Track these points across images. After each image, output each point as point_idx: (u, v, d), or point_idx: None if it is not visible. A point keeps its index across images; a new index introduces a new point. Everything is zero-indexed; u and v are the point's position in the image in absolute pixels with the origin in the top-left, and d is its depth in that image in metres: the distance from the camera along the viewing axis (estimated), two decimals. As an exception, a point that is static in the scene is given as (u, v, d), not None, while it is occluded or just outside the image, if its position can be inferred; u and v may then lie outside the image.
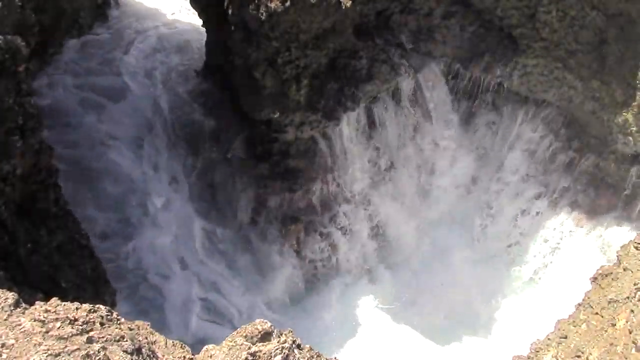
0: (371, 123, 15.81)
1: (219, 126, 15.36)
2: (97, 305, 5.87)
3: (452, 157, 16.61)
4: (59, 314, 5.54)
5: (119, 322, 5.81)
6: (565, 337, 7.39)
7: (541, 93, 14.82)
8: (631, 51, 12.40)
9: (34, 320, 5.42)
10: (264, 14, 12.17)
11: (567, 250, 14.85)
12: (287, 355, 5.72)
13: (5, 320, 5.41)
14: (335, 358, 6.77)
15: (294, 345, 5.86)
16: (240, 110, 14.70)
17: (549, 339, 7.70)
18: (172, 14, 19.35)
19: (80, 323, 5.49)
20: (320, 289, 15.65)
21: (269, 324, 6.02)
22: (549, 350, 7.57)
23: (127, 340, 5.45)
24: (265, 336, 5.85)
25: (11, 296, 5.70)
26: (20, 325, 5.36)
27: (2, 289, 6.00)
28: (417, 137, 16.22)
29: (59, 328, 5.33)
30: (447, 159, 16.60)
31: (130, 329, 5.81)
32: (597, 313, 7.04)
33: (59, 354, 5.02)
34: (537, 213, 15.66)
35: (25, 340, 5.14)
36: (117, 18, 18.36)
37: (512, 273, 16.36)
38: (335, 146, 15.18)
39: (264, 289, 14.64)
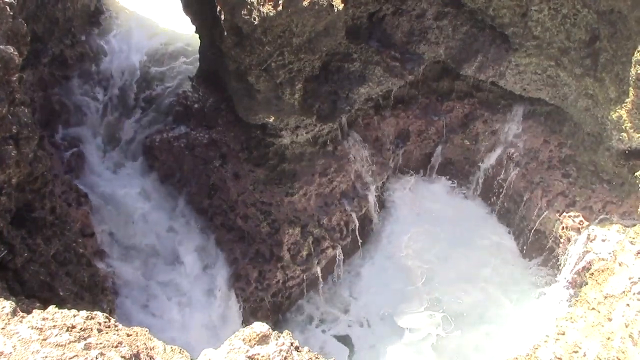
0: (367, 124, 15.87)
1: (215, 132, 15.38)
2: (95, 312, 5.88)
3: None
4: (56, 321, 5.55)
5: (116, 328, 5.82)
6: (563, 334, 7.41)
7: (535, 91, 14.87)
8: (623, 47, 12.42)
9: (32, 328, 5.43)
10: (257, 18, 12.19)
11: (564, 249, 14.87)
12: (286, 358, 5.73)
13: (3, 328, 5.41)
14: (334, 359, 6.78)
15: (292, 348, 5.87)
16: (235, 115, 14.74)
17: (547, 335, 7.74)
18: (165, 21, 19.37)
19: (77, 330, 5.50)
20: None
21: (267, 326, 6.03)
22: (547, 347, 7.59)
23: (125, 346, 5.46)
24: (264, 339, 5.86)
25: (8, 305, 5.70)
26: (17, 333, 5.37)
27: (-1, 298, 6.00)
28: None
29: (56, 335, 5.35)
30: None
31: (128, 335, 5.81)
32: (593, 308, 7.06)
33: (56, 361, 5.02)
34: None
35: (23, 348, 5.15)
36: (110, 26, 18.39)
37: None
38: (331, 149, 15.25)
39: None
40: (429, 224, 17.06)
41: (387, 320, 15.52)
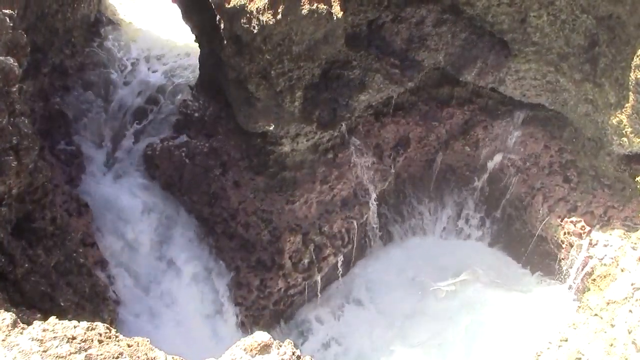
0: (367, 131, 15.87)
1: (215, 140, 15.40)
2: (96, 323, 5.87)
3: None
4: (56, 332, 5.54)
5: (117, 339, 5.81)
6: (566, 340, 7.39)
7: (534, 97, 14.88)
8: (622, 52, 12.43)
9: (32, 340, 5.42)
10: (256, 27, 12.22)
11: (566, 255, 14.84)
12: (287, 367, 5.71)
13: (3, 340, 5.40)
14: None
15: (293, 357, 5.85)
16: (235, 124, 14.75)
17: (550, 342, 7.72)
18: (165, 30, 19.43)
19: (78, 341, 5.49)
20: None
21: (268, 336, 6.02)
22: (550, 354, 7.56)
23: (125, 357, 5.44)
24: (265, 348, 5.84)
25: (9, 316, 5.69)
26: (18, 345, 5.35)
27: (-1, 309, 5.99)
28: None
29: (57, 347, 5.34)
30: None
31: (129, 346, 5.79)
32: (596, 314, 7.04)
33: (57, 373, 5.01)
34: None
35: (23, 360, 5.13)
36: (110, 36, 18.44)
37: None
38: (332, 156, 15.25)
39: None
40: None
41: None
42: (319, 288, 15.55)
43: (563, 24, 13.30)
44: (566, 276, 14.82)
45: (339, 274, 16.01)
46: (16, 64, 8.80)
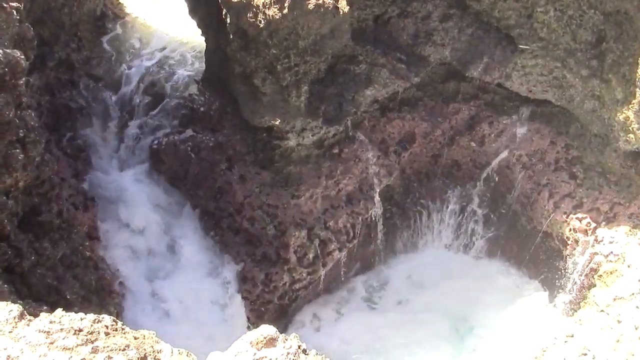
0: (373, 126, 15.85)
1: (221, 135, 15.40)
2: (102, 315, 5.90)
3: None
4: (63, 324, 5.57)
5: (123, 331, 5.83)
6: (572, 336, 7.38)
7: (541, 93, 14.83)
8: (630, 49, 12.39)
9: (39, 332, 5.45)
10: (262, 21, 12.23)
11: (572, 252, 14.80)
12: (293, 361, 5.72)
13: (10, 332, 5.43)
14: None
15: (299, 350, 5.87)
16: (241, 118, 14.76)
17: (555, 338, 7.72)
18: (171, 25, 19.43)
19: (85, 333, 5.52)
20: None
21: (274, 329, 6.03)
22: (556, 350, 7.56)
23: (132, 349, 5.46)
24: (271, 341, 5.85)
25: (15, 308, 5.72)
26: (25, 336, 5.38)
27: (6, 302, 6.02)
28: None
29: (63, 339, 5.36)
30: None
31: (136, 338, 5.82)
32: (602, 310, 7.04)
33: (64, 365, 5.03)
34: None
35: (30, 351, 5.16)
36: (116, 30, 18.45)
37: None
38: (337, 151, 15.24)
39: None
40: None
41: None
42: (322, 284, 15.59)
43: (570, 19, 13.25)
44: (572, 273, 14.81)
45: (342, 271, 16.03)
46: (23, 57, 8.82)
